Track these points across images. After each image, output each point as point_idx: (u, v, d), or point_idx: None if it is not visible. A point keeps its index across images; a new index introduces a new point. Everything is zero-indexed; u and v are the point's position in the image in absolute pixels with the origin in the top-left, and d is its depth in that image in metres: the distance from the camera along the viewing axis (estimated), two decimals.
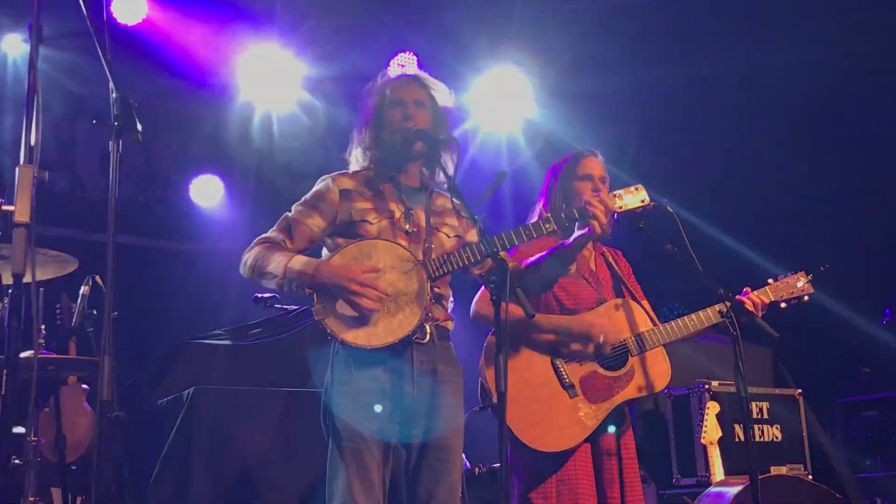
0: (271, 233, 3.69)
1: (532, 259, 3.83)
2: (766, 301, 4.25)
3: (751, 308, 4.12)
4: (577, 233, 3.76)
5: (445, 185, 3.73)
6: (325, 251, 3.74)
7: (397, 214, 3.69)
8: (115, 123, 3.04)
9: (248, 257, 3.62)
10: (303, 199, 3.75)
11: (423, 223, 3.73)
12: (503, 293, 3.22)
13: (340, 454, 3.47)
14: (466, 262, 3.59)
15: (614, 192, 3.83)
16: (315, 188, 3.76)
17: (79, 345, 5.84)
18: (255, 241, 3.67)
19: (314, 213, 3.68)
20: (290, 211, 3.73)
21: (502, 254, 3.47)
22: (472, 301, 4.15)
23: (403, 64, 8.71)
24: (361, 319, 3.45)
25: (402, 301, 3.48)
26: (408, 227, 3.68)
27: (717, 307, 4.16)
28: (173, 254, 8.78)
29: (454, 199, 3.77)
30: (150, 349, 6.81)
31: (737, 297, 4.13)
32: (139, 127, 3.04)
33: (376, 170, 3.79)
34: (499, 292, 3.25)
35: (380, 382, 3.51)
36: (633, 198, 3.83)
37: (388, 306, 3.46)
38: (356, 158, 3.87)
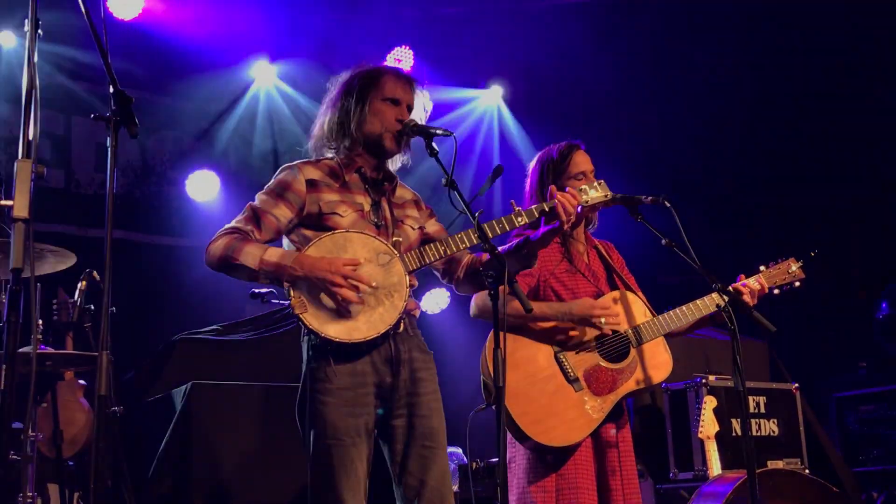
0: (237, 223, 3.56)
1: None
2: (764, 288, 4.26)
3: (747, 296, 4.14)
4: (543, 228, 3.74)
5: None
6: (286, 242, 3.63)
7: (366, 207, 3.63)
8: (114, 118, 3.04)
9: (215, 248, 3.47)
10: (266, 188, 3.64)
11: (389, 215, 3.68)
12: (499, 288, 3.24)
13: (325, 452, 3.42)
14: (445, 254, 3.57)
15: (580, 188, 3.89)
16: (278, 177, 3.65)
17: (76, 340, 5.83)
18: (219, 231, 3.53)
19: (281, 203, 3.56)
20: (253, 200, 3.62)
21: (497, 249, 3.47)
22: (470, 299, 4.15)
23: (400, 58, 8.75)
24: (341, 313, 3.39)
25: (382, 294, 3.44)
26: (376, 219, 3.63)
27: (713, 295, 4.19)
28: (169, 249, 8.77)
29: (412, 189, 3.83)
30: (146, 345, 6.80)
31: (732, 285, 4.15)
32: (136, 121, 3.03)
33: (341, 160, 3.70)
34: (496, 287, 3.26)
35: (361, 377, 3.48)
36: (597, 193, 3.90)
37: (368, 300, 3.42)
38: (323, 138, 3.76)
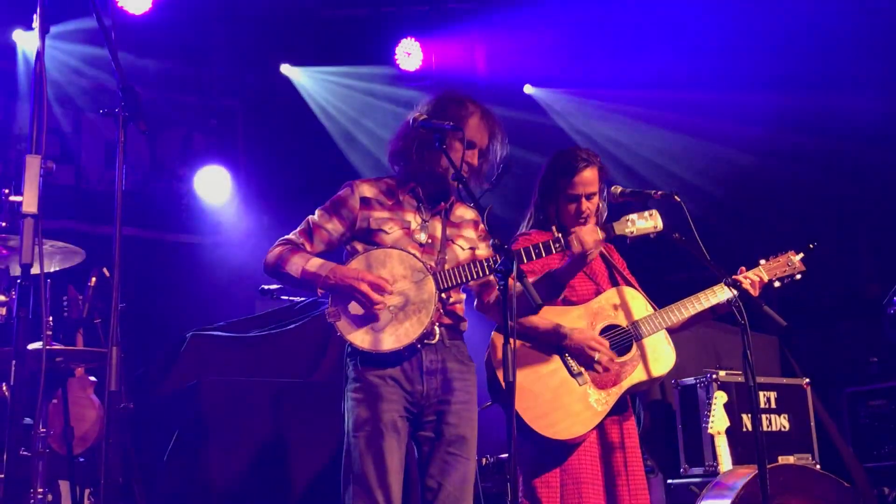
0: (292, 235, 3.81)
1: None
2: (764, 279, 4.25)
3: (748, 286, 4.12)
4: (567, 261, 3.86)
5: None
6: (345, 254, 3.84)
7: (413, 225, 3.79)
8: (122, 114, 3.05)
9: (270, 257, 3.75)
10: (325, 203, 3.85)
11: (439, 234, 3.81)
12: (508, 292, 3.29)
13: (354, 443, 3.61)
14: (476, 276, 3.68)
15: (627, 217, 3.94)
16: (337, 193, 3.86)
17: (86, 336, 5.83)
18: (277, 242, 3.80)
19: (334, 218, 3.79)
20: (312, 214, 3.84)
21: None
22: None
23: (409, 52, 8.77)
24: (370, 324, 3.60)
25: (411, 310, 3.61)
26: (422, 238, 3.77)
27: (714, 289, 4.22)
28: (180, 246, 8.79)
29: (474, 208, 3.90)
30: (156, 341, 6.81)
31: (733, 276, 4.15)
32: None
33: (399, 178, 3.88)
34: (506, 282, 3.28)
35: (389, 380, 3.65)
36: (646, 223, 3.93)
37: (397, 314, 3.60)
38: (397, 150, 3.88)
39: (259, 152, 9.19)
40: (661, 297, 4.34)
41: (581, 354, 4.05)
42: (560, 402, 4.02)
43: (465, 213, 3.97)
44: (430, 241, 3.79)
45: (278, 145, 9.18)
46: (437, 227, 3.84)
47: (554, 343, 4.09)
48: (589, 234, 3.78)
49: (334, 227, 3.79)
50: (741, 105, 8.33)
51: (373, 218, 3.77)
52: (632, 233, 3.90)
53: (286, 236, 3.82)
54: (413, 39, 9.00)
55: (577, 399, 4.04)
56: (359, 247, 3.75)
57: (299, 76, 9.12)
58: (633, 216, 3.92)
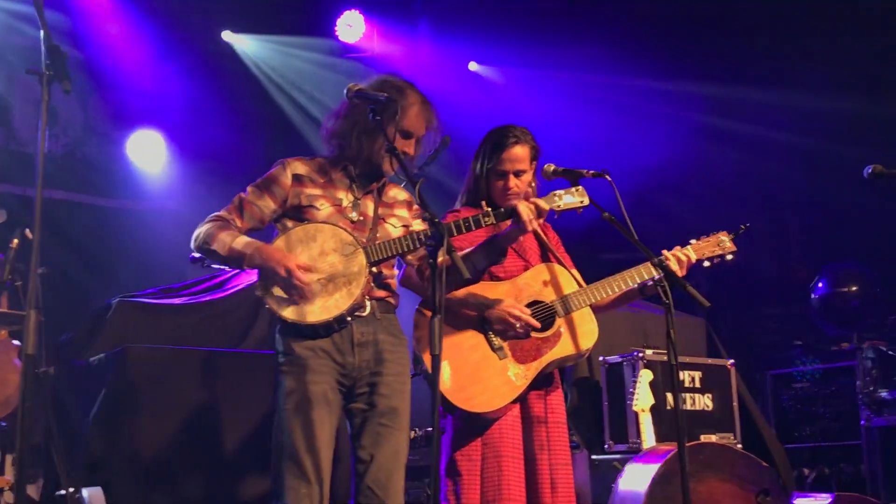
0: (223, 211, 3.81)
1: (464, 251, 3.89)
2: (692, 259, 4.28)
3: (675, 266, 4.15)
4: (507, 227, 3.86)
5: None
6: (275, 233, 3.84)
7: (345, 203, 3.80)
8: (46, 72, 3.00)
9: (199, 233, 3.74)
10: (257, 181, 3.84)
11: (371, 213, 3.83)
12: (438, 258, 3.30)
13: (286, 414, 3.62)
14: (406, 250, 3.72)
15: (554, 192, 3.95)
16: (269, 171, 3.86)
17: (10, 299, 5.74)
18: (207, 218, 3.79)
19: (265, 195, 3.79)
20: (244, 191, 3.83)
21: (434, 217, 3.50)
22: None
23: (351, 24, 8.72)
24: (299, 297, 3.60)
25: (341, 282, 3.63)
26: (354, 215, 3.79)
27: (640, 268, 4.24)
28: (112, 211, 8.68)
29: (407, 189, 3.94)
30: (84, 307, 6.73)
31: (660, 256, 4.19)
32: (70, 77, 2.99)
33: (332, 158, 3.88)
34: (435, 256, 3.30)
35: (321, 350, 3.66)
36: (573, 198, 3.95)
37: (326, 286, 3.62)
38: (332, 134, 3.87)
39: (196, 119, 9.08)
40: (597, 277, 4.36)
41: (502, 325, 4.08)
42: (479, 376, 4.04)
43: (398, 193, 4.00)
44: (361, 218, 3.81)
45: (216, 112, 9.07)
46: (368, 205, 3.85)
47: (476, 317, 4.11)
48: (527, 209, 3.80)
49: (265, 203, 3.78)
50: (678, 89, 8.43)
51: (304, 194, 3.77)
52: (558, 207, 3.92)
53: (217, 213, 3.80)
54: (357, 11, 8.96)
55: (496, 373, 4.07)
56: (289, 223, 3.76)
57: (242, 42, 9.03)
58: (561, 192, 3.94)
